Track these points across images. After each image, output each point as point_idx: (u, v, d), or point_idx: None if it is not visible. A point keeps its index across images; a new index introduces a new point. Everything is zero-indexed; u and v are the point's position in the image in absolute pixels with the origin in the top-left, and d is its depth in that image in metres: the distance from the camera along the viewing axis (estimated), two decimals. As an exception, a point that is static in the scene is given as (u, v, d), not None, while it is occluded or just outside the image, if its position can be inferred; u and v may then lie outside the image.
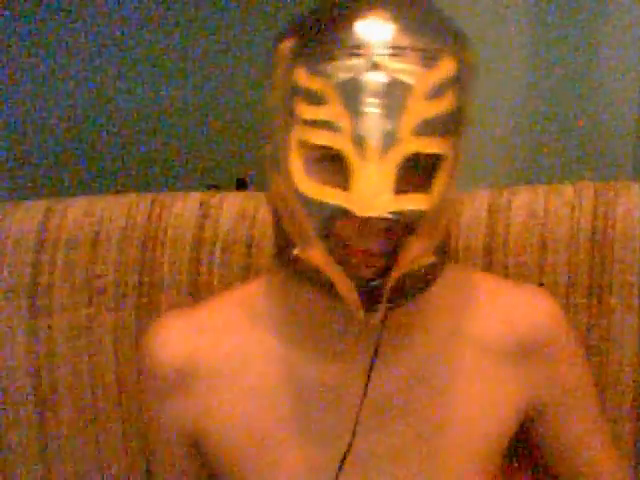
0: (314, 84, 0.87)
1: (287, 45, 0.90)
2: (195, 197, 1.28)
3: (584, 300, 1.19)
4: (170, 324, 1.06)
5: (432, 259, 0.93)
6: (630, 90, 1.92)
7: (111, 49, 2.10)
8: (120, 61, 2.11)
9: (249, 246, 1.24)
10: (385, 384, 1.00)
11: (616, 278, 1.18)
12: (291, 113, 0.89)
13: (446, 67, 0.88)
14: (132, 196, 1.29)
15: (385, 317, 0.93)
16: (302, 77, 0.88)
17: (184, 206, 1.27)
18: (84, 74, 2.10)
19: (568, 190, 1.23)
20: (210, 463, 1.05)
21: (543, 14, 1.93)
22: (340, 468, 0.97)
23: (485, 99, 1.88)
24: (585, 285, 1.19)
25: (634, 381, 1.19)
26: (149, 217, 1.26)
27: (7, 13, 2.03)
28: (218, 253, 1.24)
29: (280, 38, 0.92)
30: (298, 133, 0.88)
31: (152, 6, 2.09)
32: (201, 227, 1.25)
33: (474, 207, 1.23)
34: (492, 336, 1.03)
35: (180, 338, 1.04)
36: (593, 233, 1.20)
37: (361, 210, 0.84)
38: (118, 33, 2.09)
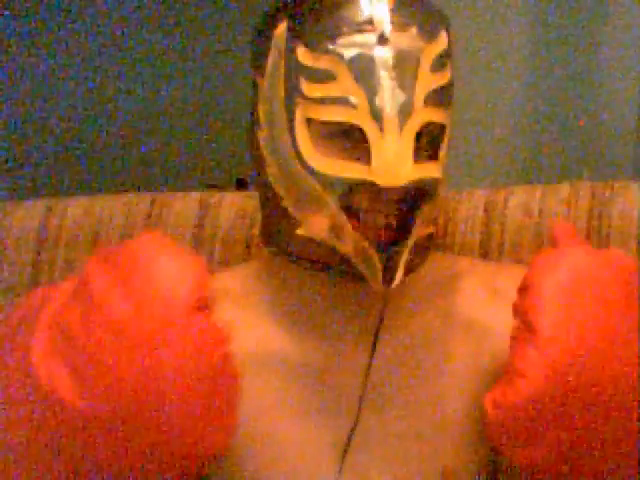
0: (320, 63, 0.90)
1: (282, 28, 0.93)
2: (195, 197, 1.29)
3: (580, 299, 1.19)
4: None
5: (431, 229, 0.97)
6: (630, 90, 1.92)
7: (111, 49, 2.10)
8: (120, 61, 2.11)
9: (248, 245, 1.24)
10: (382, 365, 0.99)
11: (613, 277, 1.18)
12: (294, 93, 0.91)
13: (443, 41, 0.93)
14: (132, 196, 1.30)
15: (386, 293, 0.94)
16: (305, 57, 0.90)
17: (184, 206, 1.27)
18: (84, 74, 2.10)
19: (565, 189, 1.23)
20: None
21: (543, 14, 1.93)
22: (346, 449, 0.97)
23: (485, 99, 1.89)
24: (581, 284, 1.19)
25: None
26: (149, 217, 1.26)
27: (7, 13, 2.03)
28: (218, 252, 1.25)
29: (272, 23, 0.95)
30: (304, 111, 0.91)
31: (152, 6, 2.10)
32: (201, 226, 1.26)
33: (471, 205, 1.23)
34: (485, 318, 1.02)
35: None
36: (589, 232, 1.20)
37: (384, 181, 0.88)
38: (118, 33, 2.10)
